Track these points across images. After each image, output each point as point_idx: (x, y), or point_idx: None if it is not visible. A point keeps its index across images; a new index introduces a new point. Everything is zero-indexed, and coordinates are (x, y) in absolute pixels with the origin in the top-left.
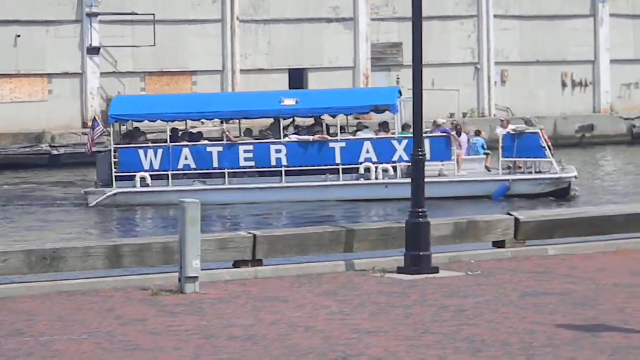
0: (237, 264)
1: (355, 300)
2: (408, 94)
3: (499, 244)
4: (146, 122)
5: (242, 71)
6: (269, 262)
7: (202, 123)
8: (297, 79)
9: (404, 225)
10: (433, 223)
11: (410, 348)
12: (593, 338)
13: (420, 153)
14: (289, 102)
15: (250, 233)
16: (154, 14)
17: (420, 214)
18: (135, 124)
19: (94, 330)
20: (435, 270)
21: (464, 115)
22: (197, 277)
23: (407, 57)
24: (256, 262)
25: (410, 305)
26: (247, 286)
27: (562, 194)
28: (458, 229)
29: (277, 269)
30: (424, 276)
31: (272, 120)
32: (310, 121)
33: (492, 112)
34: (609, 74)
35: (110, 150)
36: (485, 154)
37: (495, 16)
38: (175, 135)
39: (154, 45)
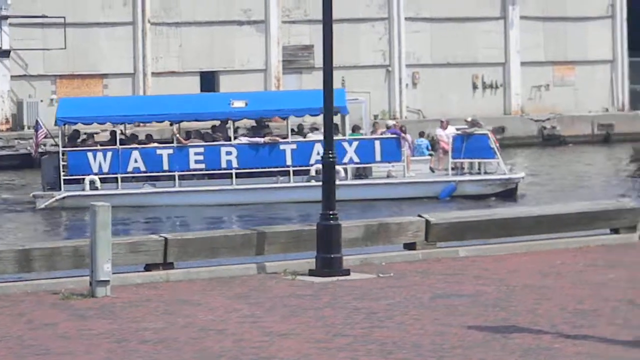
0: (148, 267)
1: (266, 302)
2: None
3: (410, 246)
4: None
5: (153, 74)
6: (181, 265)
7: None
8: (209, 81)
9: (315, 228)
10: (344, 225)
11: (322, 350)
12: (503, 339)
13: (330, 156)
14: (239, 104)
15: (161, 236)
16: (64, 17)
17: (331, 216)
18: (74, 127)
19: (4, 334)
20: (347, 272)
21: (375, 117)
22: (108, 281)
23: (318, 59)
24: (167, 265)
25: (321, 308)
26: (158, 289)
27: (509, 194)
28: (369, 230)
29: (189, 272)
30: (335, 278)
31: (208, 123)
32: (251, 123)
33: (403, 114)
34: (520, 75)
35: (57, 153)
36: (429, 154)
37: (406, 18)
38: (113, 137)
39: (65, 48)
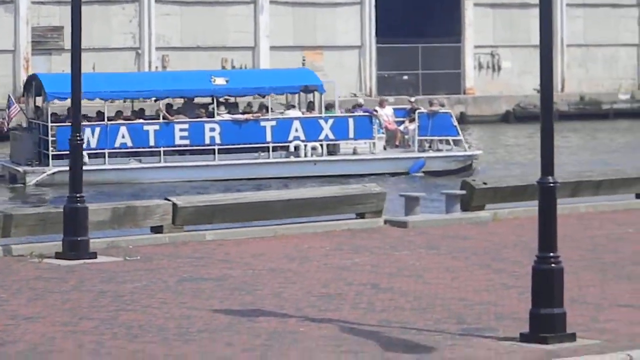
0: None
1: (12, 285)
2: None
3: (157, 229)
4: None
5: None
6: None
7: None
8: None
9: (62, 210)
10: (91, 208)
11: (68, 334)
12: (249, 323)
13: (78, 139)
14: (220, 81)
15: None
16: None
17: (78, 198)
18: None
19: None
20: (93, 255)
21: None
22: None
23: (68, 40)
24: None
25: (67, 291)
26: None
27: (466, 169)
28: (116, 213)
29: None
30: (82, 261)
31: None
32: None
33: None
34: (269, 60)
35: (34, 128)
36: (382, 133)
37: (156, 1)
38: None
39: None
